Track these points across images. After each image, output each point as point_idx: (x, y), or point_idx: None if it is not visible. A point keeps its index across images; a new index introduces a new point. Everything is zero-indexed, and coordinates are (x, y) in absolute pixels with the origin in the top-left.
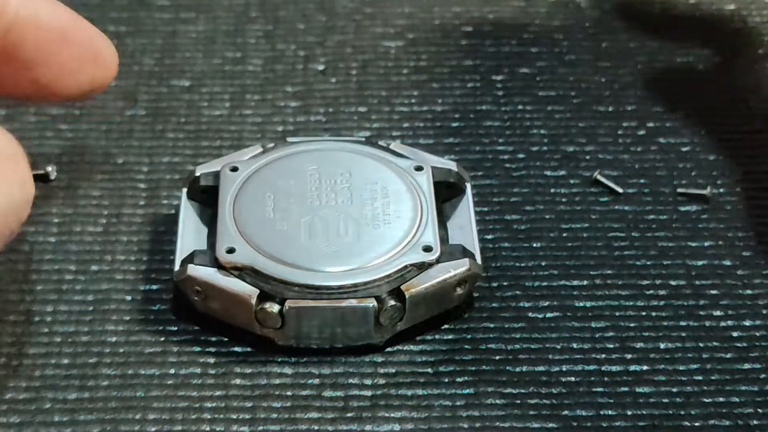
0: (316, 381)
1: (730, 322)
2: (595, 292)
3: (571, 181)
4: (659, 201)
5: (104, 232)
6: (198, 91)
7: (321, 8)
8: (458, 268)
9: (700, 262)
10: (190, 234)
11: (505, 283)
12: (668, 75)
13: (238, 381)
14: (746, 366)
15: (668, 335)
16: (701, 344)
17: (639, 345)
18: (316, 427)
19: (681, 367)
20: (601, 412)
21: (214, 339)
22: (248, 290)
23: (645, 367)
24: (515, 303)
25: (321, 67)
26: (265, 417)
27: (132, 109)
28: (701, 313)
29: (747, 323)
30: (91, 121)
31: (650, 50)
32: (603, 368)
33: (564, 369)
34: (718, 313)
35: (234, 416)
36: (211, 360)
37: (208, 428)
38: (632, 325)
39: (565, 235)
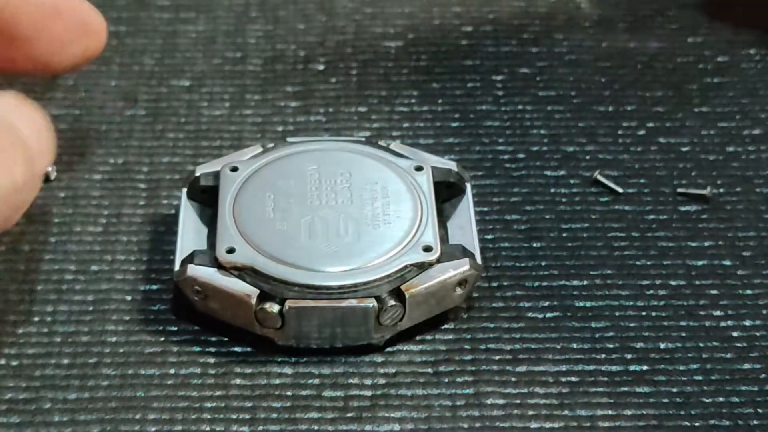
0: (316, 381)
1: (730, 322)
2: (595, 292)
3: (571, 181)
4: (659, 201)
5: (104, 232)
6: (198, 91)
7: (321, 8)
8: (458, 268)
9: (700, 262)
10: (190, 234)
11: (505, 283)
12: (668, 75)
13: (238, 381)
14: (746, 366)
15: (668, 335)
16: (701, 344)
17: (639, 345)
18: (316, 427)
19: (681, 367)
20: (601, 412)
21: (214, 339)
22: (248, 290)
23: (645, 367)
24: (515, 303)
25: (321, 67)
26: (265, 417)
27: (132, 109)
28: (701, 313)
29: (747, 323)
30: (91, 121)
31: (650, 50)
32: (603, 368)
33: (564, 369)
34: (718, 313)
35: (234, 416)
36: (211, 360)
37: (208, 428)
38: (632, 325)
39: (565, 235)
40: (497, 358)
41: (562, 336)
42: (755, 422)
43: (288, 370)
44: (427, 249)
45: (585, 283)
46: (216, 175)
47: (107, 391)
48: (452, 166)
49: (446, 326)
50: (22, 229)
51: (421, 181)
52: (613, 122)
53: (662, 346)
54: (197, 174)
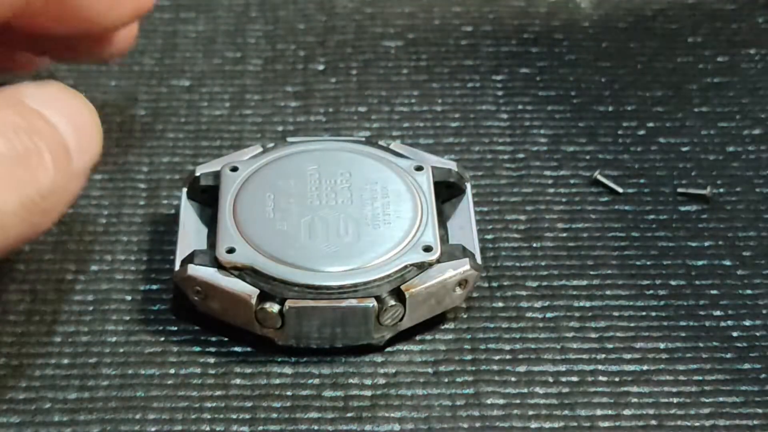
0: (316, 381)
1: (730, 322)
2: (595, 292)
3: (571, 181)
4: (659, 201)
5: (104, 232)
6: (198, 91)
7: (321, 8)
8: (458, 268)
9: (700, 262)
10: (190, 234)
11: (505, 283)
12: (668, 75)
13: (238, 381)
14: (746, 366)
15: (668, 335)
16: (701, 344)
17: (639, 345)
18: (316, 427)
19: (681, 367)
20: (601, 412)
21: (214, 339)
22: (248, 290)
23: (645, 367)
24: (515, 303)
25: (321, 67)
26: (265, 417)
27: (132, 109)
28: (701, 313)
29: (747, 323)
30: None
31: (650, 50)
32: (603, 368)
33: (564, 369)
34: (718, 313)
35: (234, 416)
36: (211, 360)
37: (208, 428)
38: (632, 325)
39: (565, 235)
40: (497, 358)
41: (562, 336)
42: (755, 422)
43: (288, 370)
44: (427, 249)
45: (585, 283)
46: (216, 175)
47: (107, 391)
48: (452, 166)
49: (446, 326)
50: None
51: (421, 181)
52: (613, 122)
53: (662, 346)
54: (197, 174)
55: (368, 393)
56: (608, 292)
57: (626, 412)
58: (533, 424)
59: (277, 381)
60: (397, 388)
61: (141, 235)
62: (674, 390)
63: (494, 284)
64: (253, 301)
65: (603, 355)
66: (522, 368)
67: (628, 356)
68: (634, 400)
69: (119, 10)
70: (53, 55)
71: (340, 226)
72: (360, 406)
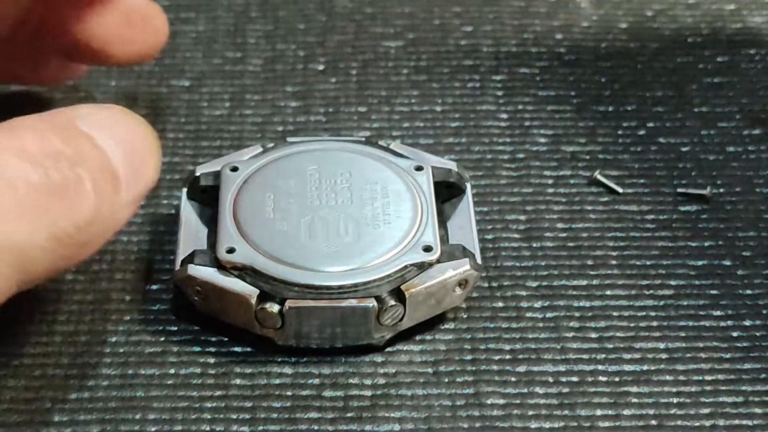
0: (316, 381)
1: (730, 322)
2: (595, 292)
3: (571, 181)
4: (659, 201)
5: None
6: (198, 91)
7: (321, 8)
8: (458, 268)
9: (700, 262)
10: (190, 234)
11: (505, 283)
12: (668, 75)
13: (238, 381)
14: (746, 366)
15: (668, 335)
16: (701, 344)
17: (639, 345)
18: (316, 427)
19: (681, 367)
20: (601, 412)
21: (214, 339)
22: (248, 290)
23: (645, 367)
24: (515, 303)
25: (321, 67)
26: (265, 417)
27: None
28: (701, 313)
29: (747, 323)
30: None
31: (650, 50)
32: (603, 368)
33: (564, 369)
34: (718, 313)
35: (234, 416)
36: (211, 360)
37: (208, 428)
38: (632, 325)
39: (565, 235)
40: (497, 358)
41: (562, 336)
42: (755, 422)
43: (288, 370)
44: (427, 249)
45: (585, 283)
46: (216, 175)
47: (107, 391)
48: (452, 166)
49: (446, 326)
50: None
51: (421, 181)
52: (613, 122)
53: (662, 346)
54: (197, 174)
55: (368, 393)
56: (608, 292)
57: (626, 412)
58: (533, 424)
59: (277, 381)
60: (397, 388)
61: (141, 235)
62: (674, 390)
63: (494, 284)
64: (253, 301)
65: (603, 355)
66: (522, 368)
67: (628, 356)
68: (634, 400)
69: (128, 50)
70: (84, 58)
71: (340, 226)
72: (360, 406)
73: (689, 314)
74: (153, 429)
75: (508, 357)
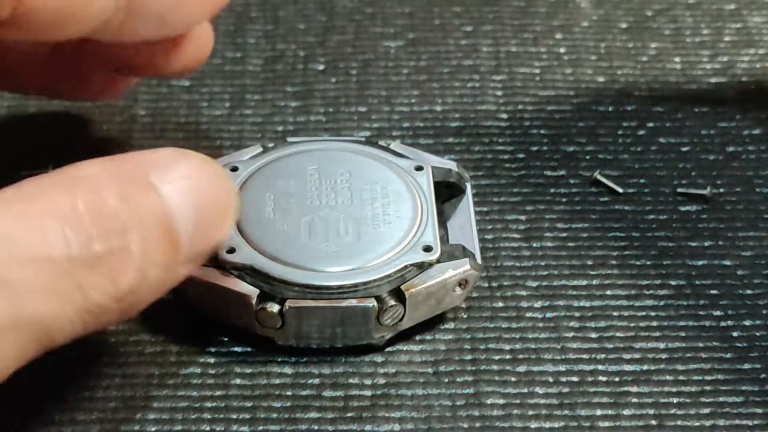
0: (316, 381)
1: (730, 322)
2: (595, 292)
3: (571, 181)
4: (659, 201)
5: None
6: (198, 91)
7: (321, 8)
8: (458, 268)
9: (700, 262)
10: None
11: (505, 283)
12: (668, 75)
13: (238, 381)
14: (746, 366)
15: (668, 335)
16: (701, 344)
17: (639, 345)
18: (316, 427)
19: (681, 367)
20: (601, 412)
21: (214, 339)
22: (248, 290)
23: (645, 367)
24: (515, 303)
25: (321, 67)
26: (265, 417)
27: (132, 109)
28: (701, 313)
29: (747, 323)
30: (91, 121)
31: (650, 50)
32: (603, 368)
33: (564, 369)
34: (718, 313)
35: (234, 416)
36: (211, 360)
37: (208, 428)
38: (632, 325)
39: (565, 235)
40: (497, 358)
41: (562, 336)
42: (755, 422)
43: (288, 370)
44: (427, 249)
45: (585, 283)
46: None
47: (107, 391)
48: (452, 166)
49: (446, 326)
50: None
51: (421, 181)
52: (613, 122)
53: (662, 346)
54: None
55: (368, 393)
56: (608, 292)
57: (626, 412)
58: (533, 424)
59: (277, 381)
60: (397, 388)
61: None
62: (674, 390)
63: (494, 284)
64: (253, 301)
65: (603, 355)
66: (522, 368)
67: (628, 356)
68: (634, 400)
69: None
70: (127, 70)
71: (340, 226)
72: (360, 406)
73: (689, 314)
74: (153, 429)
75: (508, 357)
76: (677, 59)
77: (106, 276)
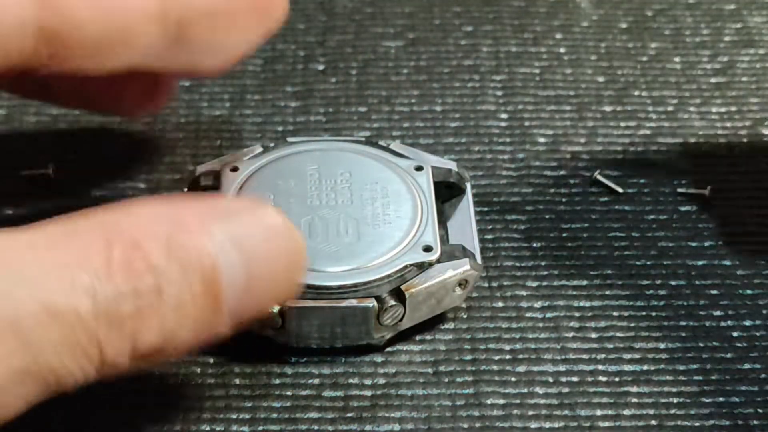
0: (316, 381)
1: (730, 322)
2: (595, 292)
3: (571, 181)
4: (659, 201)
5: None
6: (198, 91)
7: (321, 8)
8: (458, 268)
9: (700, 262)
10: None
11: (505, 283)
12: (668, 75)
13: (238, 381)
14: (746, 366)
15: (668, 335)
16: (701, 344)
17: (639, 345)
18: (316, 427)
19: (681, 367)
20: (601, 412)
21: None
22: None
23: (645, 367)
24: (515, 303)
25: (321, 67)
26: (265, 417)
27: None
28: (701, 313)
29: (747, 323)
30: (91, 121)
31: (650, 50)
32: (603, 368)
33: (564, 369)
34: (718, 313)
35: (234, 416)
36: (211, 360)
37: (208, 428)
38: (632, 325)
39: (565, 235)
40: (497, 358)
41: (562, 336)
42: (755, 422)
43: (288, 370)
44: (427, 249)
45: (585, 283)
46: (216, 175)
47: (107, 390)
48: (452, 166)
49: (446, 326)
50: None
51: (421, 181)
52: (613, 122)
53: (662, 346)
54: (198, 174)
55: (368, 393)
56: (608, 292)
57: (626, 412)
58: (533, 424)
59: (277, 381)
60: (397, 388)
61: None
62: (674, 390)
63: (494, 284)
64: None
65: (603, 355)
66: (522, 368)
67: (628, 356)
68: (634, 400)
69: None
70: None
71: (340, 226)
72: (360, 406)
73: (689, 314)
74: (153, 429)
75: (508, 357)
76: (677, 59)
77: (127, 336)
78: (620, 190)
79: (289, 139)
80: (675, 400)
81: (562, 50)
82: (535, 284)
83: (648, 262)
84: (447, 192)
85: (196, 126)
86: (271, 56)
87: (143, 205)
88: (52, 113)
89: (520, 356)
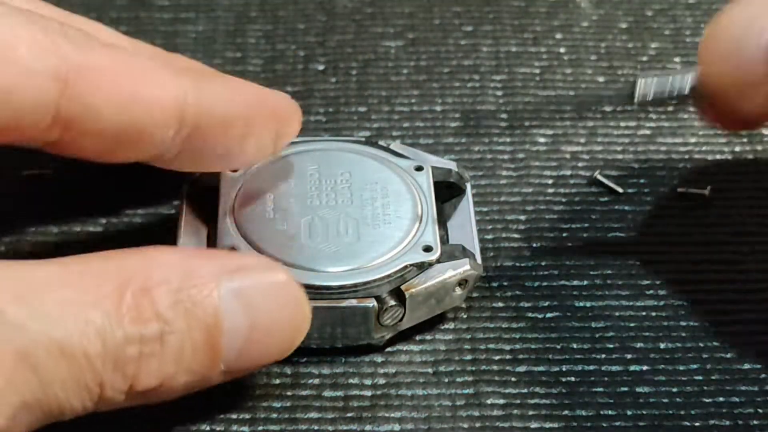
0: (316, 381)
1: (730, 322)
2: (595, 292)
3: (571, 181)
4: (659, 201)
5: (104, 232)
6: None
7: (321, 8)
8: (458, 268)
9: (700, 262)
10: (190, 234)
11: (505, 283)
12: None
13: (238, 381)
14: (746, 366)
15: (668, 335)
16: (701, 344)
17: (639, 345)
18: (316, 427)
19: (681, 367)
20: (601, 412)
21: None
22: None
23: (645, 367)
24: (515, 303)
25: (321, 67)
26: (265, 417)
27: None
28: (701, 312)
29: (747, 323)
30: None
31: (650, 50)
32: (603, 368)
33: (564, 369)
34: (717, 313)
35: (234, 416)
36: None
37: (208, 428)
38: (632, 325)
39: (565, 235)
40: (497, 358)
41: (562, 336)
42: (755, 422)
43: (288, 370)
44: (427, 249)
45: (585, 283)
46: (217, 175)
47: None
48: (452, 166)
49: (446, 326)
50: (23, 229)
51: (421, 181)
52: (613, 122)
53: (662, 346)
54: (198, 174)
55: (368, 393)
56: (608, 292)
57: (626, 412)
58: (533, 424)
59: (277, 381)
60: (397, 388)
61: (141, 235)
62: (674, 390)
63: (494, 284)
64: None
65: (603, 355)
66: (522, 368)
67: (628, 356)
68: (634, 400)
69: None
70: None
71: (340, 226)
72: (360, 406)
73: (689, 314)
74: (153, 429)
75: (508, 357)
76: (677, 59)
77: (127, 377)
78: (620, 190)
79: None
80: (675, 400)
81: (562, 50)
82: (535, 284)
83: (648, 262)
84: (447, 192)
85: None
86: (271, 56)
87: (160, 252)
88: None
89: (520, 356)
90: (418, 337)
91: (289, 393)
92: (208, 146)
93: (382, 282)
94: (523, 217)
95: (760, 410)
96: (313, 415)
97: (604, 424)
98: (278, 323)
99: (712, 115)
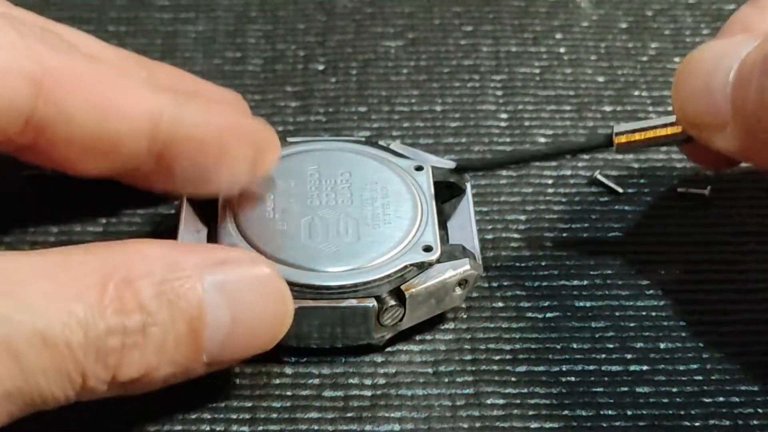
0: (316, 381)
1: (729, 322)
2: (595, 292)
3: (571, 181)
4: (659, 201)
5: (104, 232)
6: None
7: (321, 8)
8: (458, 268)
9: (699, 262)
10: (190, 234)
11: (505, 283)
12: (668, 75)
13: (238, 381)
14: (746, 366)
15: (668, 335)
16: (701, 344)
17: (639, 345)
18: (316, 427)
19: (681, 367)
20: (601, 412)
21: None
22: None
23: (645, 367)
24: (515, 303)
25: (321, 67)
26: (265, 417)
27: None
28: (701, 312)
29: (747, 322)
30: None
31: (650, 50)
32: (603, 368)
33: (564, 369)
34: (717, 313)
35: (234, 416)
36: None
37: (208, 428)
38: (632, 325)
39: (565, 235)
40: (497, 358)
41: (562, 336)
42: (755, 422)
43: (288, 370)
44: (427, 249)
45: (585, 283)
46: None
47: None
48: (452, 166)
49: (446, 326)
50: (22, 229)
51: (421, 181)
52: (613, 122)
53: (662, 346)
54: None
55: (368, 393)
56: (608, 292)
57: (626, 412)
58: (533, 424)
59: (277, 381)
60: (397, 388)
61: (141, 235)
62: (674, 390)
63: (494, 284)
64: None
65: (603, 355)
66: (522, 368)
67: (628, 356)
68: (634, 400)
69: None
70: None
71: (340, 226)
72: (360, 406)
73: (689, 314)
74: (153, 429)
75: (508, 357)
76: (677, 59)
77: (109, 368)
78: (620, 190)
79: (289, 139)
80: (675, 400)
81: (562, 50)
82: (535, 284)
83: (648, 262)
84: (447, 192)
85: None
86: (271, 56)
87: (143, 244)
88: None
89: (520, 356)
90: (418, 337)
91: (289, 393)
92: (182, 167)
93: (382, 282)
94: (523, 217)
95: (760, 410)
96: (313, 415)
97: (604, 424)
98: (261, 316)
99: (693, 155)
